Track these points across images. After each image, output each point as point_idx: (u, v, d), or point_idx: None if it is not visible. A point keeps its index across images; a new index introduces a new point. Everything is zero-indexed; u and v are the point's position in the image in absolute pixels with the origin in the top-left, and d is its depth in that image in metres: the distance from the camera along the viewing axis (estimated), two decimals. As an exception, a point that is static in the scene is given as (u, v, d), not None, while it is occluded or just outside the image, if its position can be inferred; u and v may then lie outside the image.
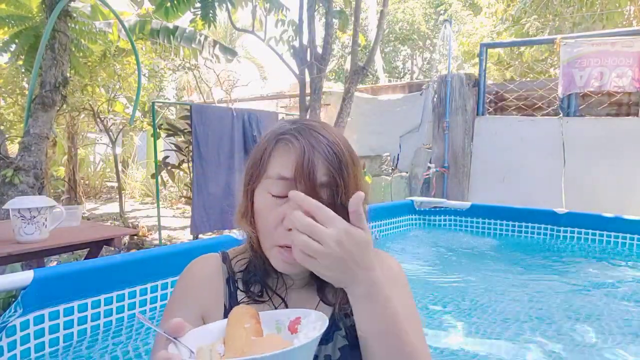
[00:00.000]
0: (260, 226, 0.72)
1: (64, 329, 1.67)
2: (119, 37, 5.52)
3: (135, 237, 5.03)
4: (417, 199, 4.13)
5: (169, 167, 5.72)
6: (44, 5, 3.77)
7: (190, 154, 4.95)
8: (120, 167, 7.38)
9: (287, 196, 0.67)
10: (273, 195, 0.69)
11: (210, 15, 4.59)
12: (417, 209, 4.05)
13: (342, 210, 0.66)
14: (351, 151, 0.73)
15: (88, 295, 1.74)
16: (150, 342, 1.76)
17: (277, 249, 0.70)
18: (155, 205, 5.67)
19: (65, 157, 7.60)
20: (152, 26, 5.46)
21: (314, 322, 0.59)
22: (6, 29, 4.73)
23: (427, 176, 5.26)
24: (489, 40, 8.28)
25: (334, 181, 0.68)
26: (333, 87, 9.66)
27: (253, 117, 4.93)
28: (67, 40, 3.68)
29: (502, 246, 3.60)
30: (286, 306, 0.76)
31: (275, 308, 0.75)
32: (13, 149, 6.12)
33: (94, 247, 2.44)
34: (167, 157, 5.92)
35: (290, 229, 0.66)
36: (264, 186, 0.71)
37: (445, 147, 5.20)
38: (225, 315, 0.68)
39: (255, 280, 0.77)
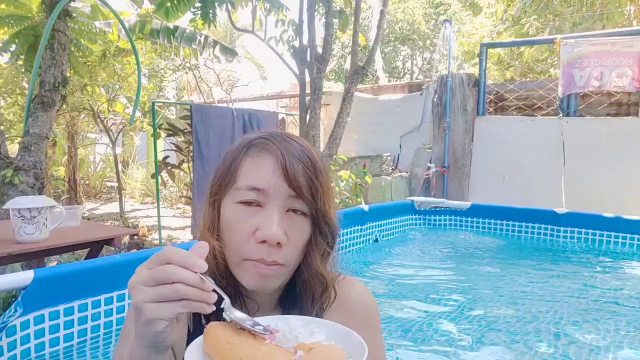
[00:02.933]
0: (229, 240, 0.66)
1: (64, 329, 1.66)
2: (119, 37, 5.52)
3: (135, 237, 5.02)
4: (417, 199, 4.13)
5: (169, 167, 5.73)
6: (43, 5, 3.77)
7: (190, 154, 4.95)
8: (120, 167, 7.37)
9: (259, 205, 0.64)
10: (243, 203, 0.65)
11: (210, 15, 4.59)
12: (417, 209, 4.05)
13: (322, 218, 0.66)
14: (320, 158, 0.71)
15: (88, 295, 1.74)
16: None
17: (250, 262, 0.64)
18: (155, 205, 5.67)
19: (65, 157, 7.60)
20: (152, 26, 5.45)
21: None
22: (6, 29, 4.72)
23: (427, 176, 5.27)
24: (489, 40, 8.28)
25: (314, 187, 0.65)
26: (333, 87, 9.66)
27: (254, 117, 4.94)
28: (67, 40, 3.67)
29: (502, 246, 3.60)
30: None
31: None
32: (13, 149, 6.12)
33: (94, 247, 2.44)
34: (167, 157, 5.92)
35: (263, 241, 0.62)
36: (233, 197, 0.66)
37: (445, 147, 5.20)
38: (190, 341, 0.57)
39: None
